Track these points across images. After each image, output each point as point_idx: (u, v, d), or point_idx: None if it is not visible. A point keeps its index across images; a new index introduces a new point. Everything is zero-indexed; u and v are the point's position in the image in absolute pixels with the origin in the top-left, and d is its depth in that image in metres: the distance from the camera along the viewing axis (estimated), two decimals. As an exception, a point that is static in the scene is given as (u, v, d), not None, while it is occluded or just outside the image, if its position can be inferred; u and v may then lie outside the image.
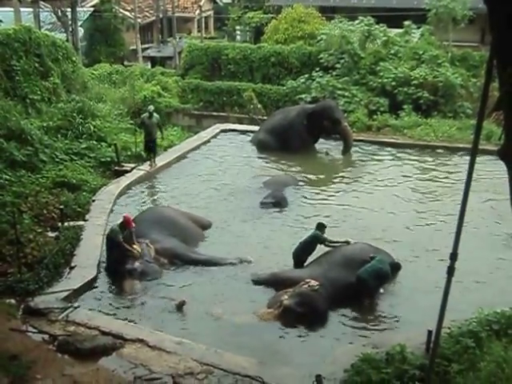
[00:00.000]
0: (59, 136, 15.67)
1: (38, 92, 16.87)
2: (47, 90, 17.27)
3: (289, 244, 10.98)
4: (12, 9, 23.89)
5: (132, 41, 32.79)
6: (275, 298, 9.34)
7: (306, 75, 22.89)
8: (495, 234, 11.93)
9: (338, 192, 14.53)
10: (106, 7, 32.02)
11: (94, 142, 15.94)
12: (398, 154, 17.32)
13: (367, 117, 20.13)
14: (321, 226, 10.58)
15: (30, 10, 25.41)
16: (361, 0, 32.46)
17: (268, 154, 17.24)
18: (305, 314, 8.85)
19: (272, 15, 31.68)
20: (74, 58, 19.63)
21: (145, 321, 8.89)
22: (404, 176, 15.55)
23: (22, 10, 24.56)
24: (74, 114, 16.39)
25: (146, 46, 35.59)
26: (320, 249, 10.49)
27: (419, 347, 7.33)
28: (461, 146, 17.16)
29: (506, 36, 3.58)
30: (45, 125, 15.83)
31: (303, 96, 21.94)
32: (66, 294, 9.22)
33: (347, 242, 10.56)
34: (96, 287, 9.85)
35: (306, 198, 14.06)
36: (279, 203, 13.43)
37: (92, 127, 16.35)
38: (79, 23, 27.32)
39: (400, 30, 24.44)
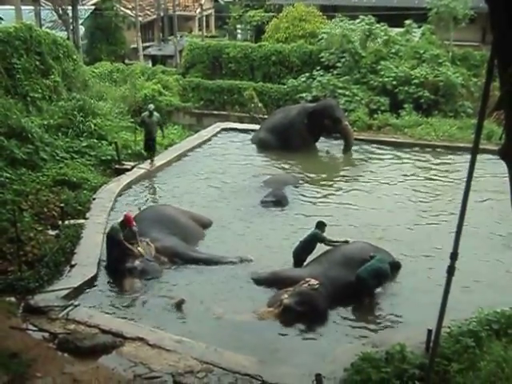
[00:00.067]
0: (60, 134, 15.66)
1: (39, 90, 16.86)
2: (48, 88, 17.26)
3: (289, 243, 10.98)
4: (13, 7, 23.91)
5: (133, 39, 32.82)
6: (275, 296, 9.34)
7: (307, 74, 22.90)
8: (495, 233, 11.92)
9: (338, 191, 14.53)
10: (106, 5, 32.07)
11: (95, 141, 15.92)
12: (399, 154, 17.30)
13: (368, 116, 20.12)
14: (321, 225, 10.57)
15: (31, 8, 25.43)
16: (362, -1, 32.50)
17: (269, 153, 17.23)
18: (305, 313, 8.85)
19: (273, 14, 31.69)
20: (74, 57, 19.61)
21: (145, 319, 8.88)
22: (404, 175, 15.54)
23: (22, 7, 24.60)
24: (75, 112, 16.37)
25: (147, 44, 35.63)
26: (320, 248, 10.49)
27: (419, 346, 7.33)
28: (461, 145, 17.13)
29: (507, 35, 3.57)
30: (45, 123, 15.82)
31: (304, 95, 21.94)
32: (66, 292, 9.22)
33: (346, 242, 10.55)
34: (96, 285, 9.85)
35: (306, 196, 14.06)
36: (280, 202, 13.43)
37: (93, 125, 16.33)
38: (80, 21, 27.35)
39: (401, 29, 24.45)
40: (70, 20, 25.54)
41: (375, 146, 17.92)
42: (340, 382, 7.03)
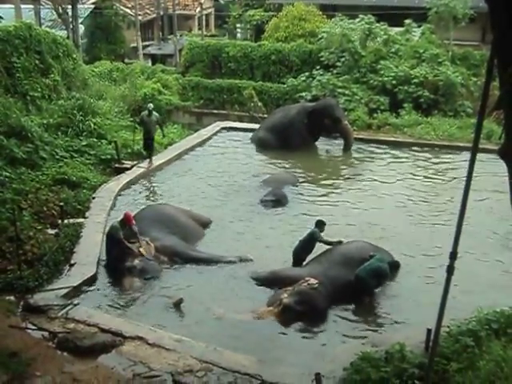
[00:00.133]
0: (59, 133, 15.66)
1: (39, 89, 16.85)
2: (47, 87, 17.25)
3: (289, 242, 10.98)
4: (13, 6, 23.88)
5: (132, 38, 32.79)
6: (275, 296, 9.34)
7: (307, 73, 22.91)
8: (495, 233, 11.92)
9: (337, 190, 14.53)
10: (106, 4, 32.08)
11: (95, 140, 15.92)
12: (398, 153, 17.30)
13: (367, 115, 20.12)
14: (320, 224, 10.56)
15: (31, 6, 25.38)
16: (362, -2, 32.47)
17: (268, 152, 17.23)
18: (304, 313, 8.85)
19: (273, 13, 31.66)
20: (74, 56, 19.61)
21: (144, 318, 8.88)
22: (404, 174, 15.54)
23: (22, 6, 24.56)
24: (75, 112, 16.37)
25: (147, 43, 35.59)
26: (320, 247, 10.48)
27: (418, 346, 7.33)
28: (461, 144, 17.15)
29: (507, 35, 3.57)
30: (45, 122, 15.81)
31: (304, 94, 21.95)
32: (65, 291, 9.22)
33: (340, 242, 10.53)
34: (96, 285, 9.84)
35: (306, 196, 14.06)
36: (279, 201, 13.43)
37: (92, 124, 16.33)
38: (80, 20, 27.32)
39: (401, 29, 24.46)
40: (70, 19, 25.50)
41: (375, 145, 17.93)
42: (339, 382, 7.04)
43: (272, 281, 9.90)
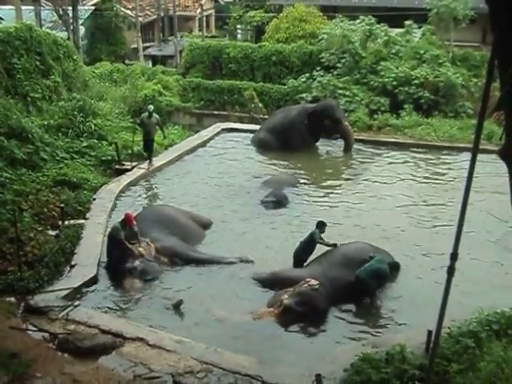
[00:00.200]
0: (60, 134, 15.67)
1: (39, 90, 16.87)
2: (48, 89, 17.27)
3: (289, 243, 10.98)
4: (13, 7, 23.93)
5: (133, 39, 32.82)
6: (275, 297, 9.34)
7: (307, 74, 22.93)
8: (495, 233, 11.92)
9: (338, 191, 14.53)
10: (107, 6, 32.07)
11: (95, 141, 15.94)
12: (399, 154, 17.30)
13: (368, 116, 20.12)
14: (321, 224, 10.55)
15: (32, 8, 25.42)
16: (362, -1, 32.50)
17: (269, 153, 17.22)
18: (305, 314, 8.85)
19: (273, 14, 31.68)
20: (75, 57, 19.63)
21: (145, 319, 8.88)
22: (404, 175, 15.53)
23: (23, 8, 24.62)
24: (75, 113, 16.38)
25: (147, 44, 35.62)
26: (320, 248, 10.48)
27: (419, 347, 7.33)
28: (462, 145, 17.14)
29: (507, 36, 3.57)
30: (45, 123, 15.83)
31: (304, 95, 21.96)
32: (66, 292, 9.22)
33: (334, 245, 10.50)
34: (96, 286, 9.84)
35: (306, 196, 14.06)
36: (280, 202, 13.43)
37: (93, 126, 16.34)
38: (80, 22, 27.35)
39: (401, 30, 24.46)
40: (71, 20, 25.53)
41: (375, 146, 17.92)
42: (340, 383, 7.03)
43: (272, 282, 9.89)
